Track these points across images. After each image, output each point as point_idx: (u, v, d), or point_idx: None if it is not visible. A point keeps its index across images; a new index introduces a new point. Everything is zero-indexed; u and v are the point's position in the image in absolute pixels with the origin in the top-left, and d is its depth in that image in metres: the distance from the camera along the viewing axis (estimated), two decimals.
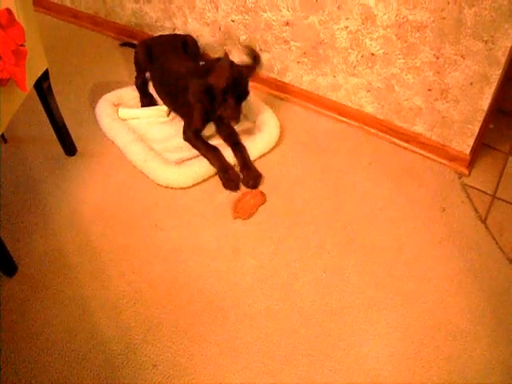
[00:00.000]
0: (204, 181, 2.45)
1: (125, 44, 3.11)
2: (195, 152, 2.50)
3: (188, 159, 2.48)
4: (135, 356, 1.92)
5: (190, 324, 2.01)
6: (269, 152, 2.57)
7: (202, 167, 2.43)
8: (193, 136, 2.50)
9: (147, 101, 2.74)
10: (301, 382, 1.88)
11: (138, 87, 2.78)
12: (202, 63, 2.71)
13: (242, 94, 2.38)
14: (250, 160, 2.47)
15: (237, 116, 2.35)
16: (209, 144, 2.49)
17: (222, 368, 1.91)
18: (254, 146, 2.52)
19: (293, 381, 1.88)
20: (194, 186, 2.43)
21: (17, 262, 2.13)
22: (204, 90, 2.36)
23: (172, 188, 2.41)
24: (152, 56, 2.70)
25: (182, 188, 2.41)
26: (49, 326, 1.99)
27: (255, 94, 2.74)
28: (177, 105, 2.60)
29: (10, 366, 1.88)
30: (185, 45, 2.77)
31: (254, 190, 2.39)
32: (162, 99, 2.71)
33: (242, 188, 2.41)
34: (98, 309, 2.04)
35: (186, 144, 2.53)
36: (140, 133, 2.59)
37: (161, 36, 2.83)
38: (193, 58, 2.75)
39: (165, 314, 2.03)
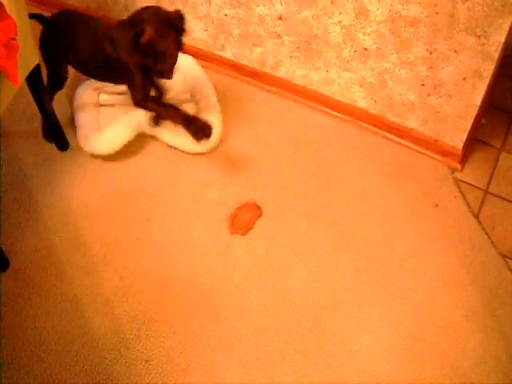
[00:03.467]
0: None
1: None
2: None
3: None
4: (128, 351, 1.92)
5: (182, 319, 2.01)
6: (259, 146, 2.57)
7: (121, 129, 2.44)
8: (142, 99, 2.32)
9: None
10: (294, 377, 1.89)
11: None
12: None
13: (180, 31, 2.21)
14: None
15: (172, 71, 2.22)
16: (161, 102, 2.41)
17: (215, 363, 1.91)
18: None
19: (286, 376, 1.89)
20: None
21: (8, 257, 2.13)
22: (132, 42, 2.14)
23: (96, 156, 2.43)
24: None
25: (104, 155, 2.43)
26: (40, 321, 1.99)
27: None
28: (108, 74, 2.39)
29: (1, 360, 1.88)
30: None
31: (249, 204, 2.35)
32: (91, 76, 2.50)
33: (237, 202, 2.35)
34: (90, 304, 2.04)
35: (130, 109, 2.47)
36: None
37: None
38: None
39: (157, 310, 2.03)
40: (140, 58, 2.18)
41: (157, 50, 2.13)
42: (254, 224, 2.30)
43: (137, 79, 2.28)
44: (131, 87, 2.34)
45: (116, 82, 2.46)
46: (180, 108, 2.32)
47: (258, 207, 2.34)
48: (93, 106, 2.60)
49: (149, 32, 2.09)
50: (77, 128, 2.50)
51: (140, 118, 2.46)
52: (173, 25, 2.17)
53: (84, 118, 2.52)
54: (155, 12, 2.17)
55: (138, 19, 2.16)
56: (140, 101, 2.32)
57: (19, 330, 1.97)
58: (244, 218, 2.30)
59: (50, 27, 2.41)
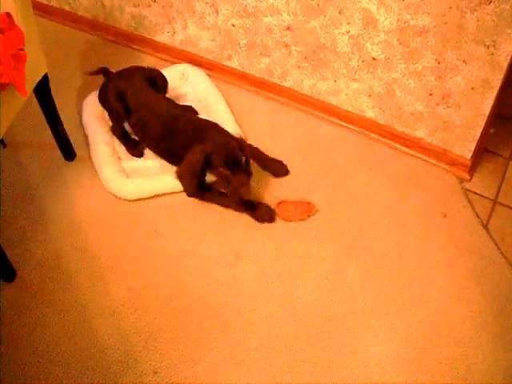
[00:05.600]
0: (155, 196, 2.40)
1: (96, 73, 2.70)
2: (153, 165, 2.48)
3: (143, 169, 2.47)
4: (136, 363, 1.91)
5: (191, 330, 2.00)
6: None
7: (151, 183, 2.39)
8: (196, 192, 2.35)
9: (137, 150, 2.54)
10: None
11: (118, 136, 2.56)
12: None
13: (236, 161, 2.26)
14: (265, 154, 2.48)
15: (243, 180, 2.27)
16: (216, 192, 2.37)
17: (224, 375, 1.90)
18: None
19: None
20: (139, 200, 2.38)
21: (16, 267, 2.12)
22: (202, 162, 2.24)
23: (119, 198, 2.38)
24: (126, 101, 2.47)
25: (126, 200, 2.37)
26: (48, 332, 1.98)
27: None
28: (167, 154, 2.46)
29: (9, 372, 1.87)
30: (153, 79, 2.58)
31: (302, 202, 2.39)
32: (154, 151, 2.51)
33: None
34: (98, 315, 2.03)
35: (148, 154, 2.52)
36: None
37: (127, 73, 2.57)
38: (161, 92, 2.60)
39: (165, 321, 2.02)
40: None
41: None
42: (306, 217, 2.34)
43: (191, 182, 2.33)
44: (182, 176, 2.35)
45: (170, 162, 2.46)
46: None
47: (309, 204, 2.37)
48: (103, 122, 2.60)
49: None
50: (94, 160, 2.48)
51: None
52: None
53: (98, 145, 2.50)
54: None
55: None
56: (193, 194, 2.36)
57: (26, 340, 1.96)
58: (296, 210, 2.34)
59: (118, 92, 2.49)
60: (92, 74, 2.66)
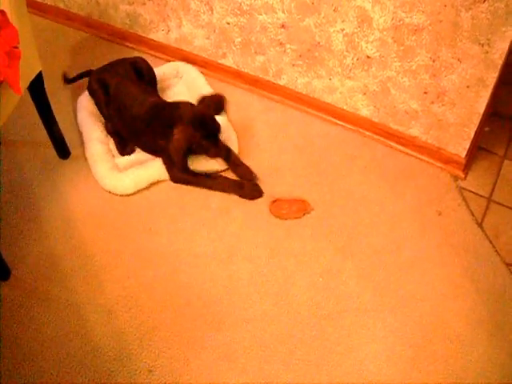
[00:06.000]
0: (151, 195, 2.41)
1: (73, 79, 2.74)
2: (145, 156, 2.49)
3: (136, 163, 2.47)
4: (130, 361, 1.91)
5: (185, 329, 2.00)
6: (261, 155, 2.56)
7: (144, 172, 2.40)
8: (181, 175, 2.40)
9: (126, 150, 2.52)
10: None
11: (109, 133, 2.57)
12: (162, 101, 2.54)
13: (214, 133, 2.35)
14: (238, 158, 2.48)
15: (220, 153, 2.40)
16: (200, 174, 2.42)
17: (219, 373, 1.90)
18: None
19: None
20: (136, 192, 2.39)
21: (10, 266, 2.12)
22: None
23: (114, 194, 2.38)
24: (109, 93, 2.50)
25: (122, 195, 2.38)
26: (42, 330, 1.98)
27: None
28: (149, 148, 2.48)
29: (2, 371, 1.86)
30: (138, 70, 2.61)
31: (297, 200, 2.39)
32: (129, 140, 2.53)
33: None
34: (93, 314, 2.03)
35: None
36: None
37: (112, 65, 2.60)
38: (148, 84, 2.62)
39: (160, 319, 2.02)
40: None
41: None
42: (301, 215, 2.34)
43: (177, 163, 2.37)
44: (168, 166, 2.41)
45: (150, 152, 2.49)
46: (221, 175, 2.42)
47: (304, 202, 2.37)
48: (97, 119, 2.60)
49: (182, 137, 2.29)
50: (88, 157, 2.48)
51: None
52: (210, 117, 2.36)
53: (92, 143, 2.50)
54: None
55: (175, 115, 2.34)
56: (178, 178, 2.41)
57: (20, 339, 1.95)
58: (291, 208, 2.34)
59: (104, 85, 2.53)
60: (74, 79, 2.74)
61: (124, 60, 2.65)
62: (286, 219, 2.31)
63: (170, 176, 2.40)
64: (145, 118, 2.39)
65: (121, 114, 2.47)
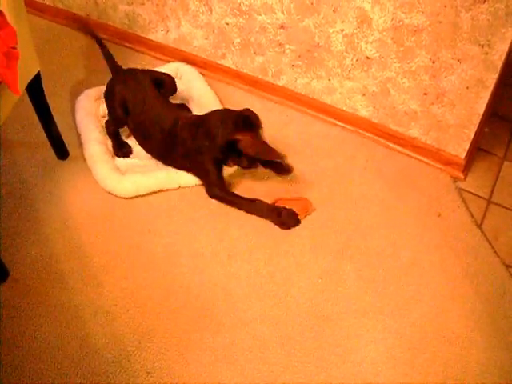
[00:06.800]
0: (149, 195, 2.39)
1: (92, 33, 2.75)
2: (147, 162, 2.47)
3: (138, 167, 2.46)
4: (129, 363, 1.90)
5: (184, 330, 1.99)
6: None
7: (147, 180, 2.38)
8: (219, 192, 2.33)
9: (123, 152, 2.51)
10: None
11: (109, 134, 2.54)
12: (192, 114, 2.56)
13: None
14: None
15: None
16: (239, 196, 2.34)
17: (217, 375, 1.89)
18: None
19: None
20: (136, 197, 2.37)
21: (8, 267, 2.11)
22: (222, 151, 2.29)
23: (115, 196, 2.36)
24: (128, 106, 2.44)
25: (123, 197, 2.36)
26: (40, 332, 1.97)
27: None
28: (179, 165, 2.42)
29: (0, 372, 1.86)
30: (159, 83, 2.53)
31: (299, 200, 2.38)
32: (153, 156, 2.49)
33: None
34: (91, 315, 2.02)
35: (143, 153, 2.50)
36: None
37: (134, 78, 2.51)
38: (167, 96, 2.57)
39: (159, 321, 2.01)
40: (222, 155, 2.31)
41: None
42: (303, 217, 2.33)
43: (212, 178, 2.33)
44: (205, 182, 2.37)
45: (181, 168, 2.43)
46: (260, 200, 2.33)
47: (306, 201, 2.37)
48: (95, 119, 2.59)
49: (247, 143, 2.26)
50: (87, 158, 2.46)
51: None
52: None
53: (91, 143, 2.48)
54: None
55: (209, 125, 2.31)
56: (216, 194, 2.35)
57: (18, 340, 1.95)
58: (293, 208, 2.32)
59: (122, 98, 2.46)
60: (92, 35, 2.73)
61: (146, 73, 2.56)
62: None
63: (208, 192, 2.34)
64: (179, 135, 2.35)
65: (145, 130, 2.44)
